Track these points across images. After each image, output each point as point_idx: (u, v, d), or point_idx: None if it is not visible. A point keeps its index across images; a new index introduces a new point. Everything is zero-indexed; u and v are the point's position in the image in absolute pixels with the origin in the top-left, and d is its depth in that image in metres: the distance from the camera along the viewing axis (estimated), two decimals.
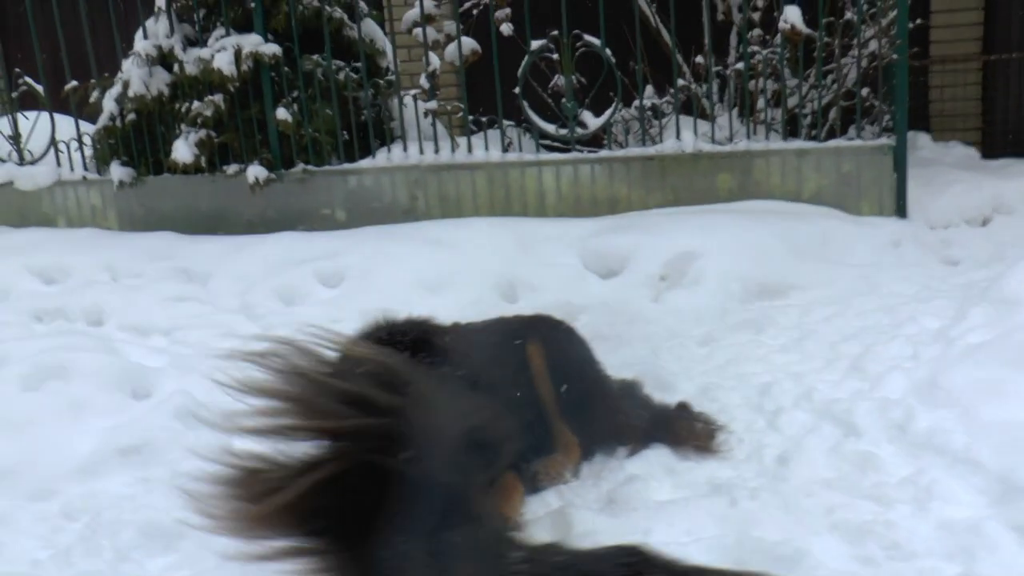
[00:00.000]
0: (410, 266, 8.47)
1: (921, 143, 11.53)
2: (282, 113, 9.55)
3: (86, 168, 10.60)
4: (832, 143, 9.44)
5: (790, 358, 6.71)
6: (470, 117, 9.83)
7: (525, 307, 7.45)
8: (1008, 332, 5.97)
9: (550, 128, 9.77)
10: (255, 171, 9.60)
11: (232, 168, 9.82)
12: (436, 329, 4.63)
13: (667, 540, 4.20)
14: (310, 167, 9.87)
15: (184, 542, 4.52)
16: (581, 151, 9.81)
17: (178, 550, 4.49)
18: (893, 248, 9.04)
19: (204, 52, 9.55)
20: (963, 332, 6.42)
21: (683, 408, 5.47)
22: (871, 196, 9.37)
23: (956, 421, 5.12)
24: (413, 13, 9.81)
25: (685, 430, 5.26)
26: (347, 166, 9.93)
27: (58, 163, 10.69)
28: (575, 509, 4.47)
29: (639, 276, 8.56)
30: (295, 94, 9.71)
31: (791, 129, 9.84)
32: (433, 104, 9.72)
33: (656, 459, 5.13)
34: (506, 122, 9.89)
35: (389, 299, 8.08)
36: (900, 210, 9.37)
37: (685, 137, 9.53)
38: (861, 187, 9.36)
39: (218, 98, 9.54)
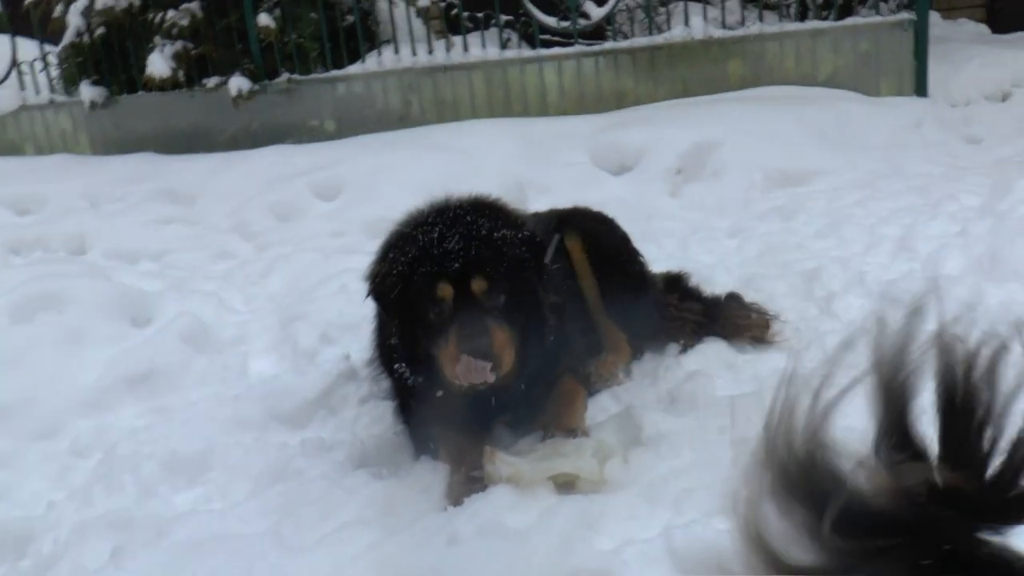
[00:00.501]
0: (412, 174, 8.00)
1: (932, 20, 11.04)
2: (264, 19, 8.98)
3: (53, 90, 10.05)
4: (849, 21, 8.98)
5: (828, 244, 6.38)
6: (465, 13, 9.25)
7: (538, 209, 7.04)
8: None
9: (550, 21, 9.24)
10: (237, 83, 9.06)
11: (212, 81, 9.28)
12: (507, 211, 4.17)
13: (746, 436, 3.86)
14: (295, 76, 9.36)
15: (211, 473, 4.17)
16: (584, 44, 9.27)
17: (206, 482, 4.12)
18: (915, 128, 8.75)
19: None
20: (1013, 205, 6.09)
21: (734, 299, 5.09)
22: (890, 75, 8.95)
23: None
24: None
25: (740, 321, 4.89)
26: (335, 73, 9.42)
27: (21, 86, 10.07)
28: (638, 411, 4.10)
29: (654, 171, 8.16)
30: None
31: (802, 11, 9.33)
32: (426, 1, 9.12)
33: (713, 353, 4.76)
34: (504, 17, 9.32)
35: (393, 209, 7.46)
36: (920, 89, 8.98)
37: (694, 23, 9.03)
38: (880, 66, 8.94)
39: (194, 6, 8.97)
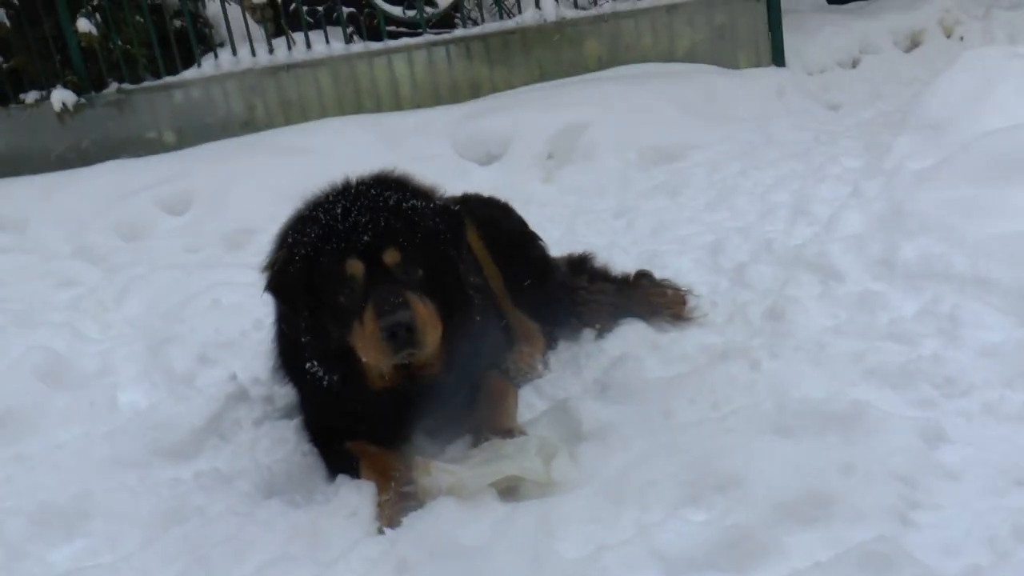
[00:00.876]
0: (265, 180, 7.49)
1: None
2: (84, 24, 8.25)
3: None
4: None
5: (720, 215, 6.26)
6: (304, 8, 8.75)
7: None
8: (954, 153, 5.59)
9: (396, 11, 8.85)
10: (60, 96, 8.31)
11: (31, 96, 8.49)
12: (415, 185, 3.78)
13: (696, 419, 3.59)
14: (125, 85, 8.66)
15: (92, 523, 3.61)
16: (433, 33, 8.90)
17: (87, 533, 3.57)
18: (778, 98, 8.83)
19: None
20: (899, 162, 6.05)
21: (645, 277, 4.84)
22: (747, 47, 8.97)
23: (946, 244, 4.67)
24: None
25: (657, 299, 4.64)
26: (169, 80, 8.77)
27: None
28: (572, 403, 3.76)
29: (524, 158, 7.88)
30: (96, 1, 8.38)
31: None
32: None
33: (633, 335, 4.49)
34: (346, 10, 8.86)
35: (250, 217, 7.18)
36: (778, 58, 9.05)
37: (545, 6, 8.82)
38: (736, 39, 8.94)
39: (0, 13, 8.12)
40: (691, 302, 4.69)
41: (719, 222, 6.07)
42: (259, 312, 5.06)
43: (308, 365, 3.53)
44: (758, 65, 8.95)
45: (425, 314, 3.32)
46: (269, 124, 8.72)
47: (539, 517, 3.06)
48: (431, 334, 3.33)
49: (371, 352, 3.30)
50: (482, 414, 3.69)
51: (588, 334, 4.59)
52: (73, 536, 3.55)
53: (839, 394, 3.55)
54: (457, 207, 3.71)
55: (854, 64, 9.72)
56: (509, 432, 3.51)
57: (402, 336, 3.23)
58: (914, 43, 9.99)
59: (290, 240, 3.51)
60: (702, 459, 3.25)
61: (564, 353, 4.55)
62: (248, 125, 8.72)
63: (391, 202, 3.47)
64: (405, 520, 3.13)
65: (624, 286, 4.70)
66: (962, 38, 10.11)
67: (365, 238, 3.36)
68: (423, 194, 3.64)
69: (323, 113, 8.72)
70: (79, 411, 4.37)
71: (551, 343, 4.54)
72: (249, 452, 3.99)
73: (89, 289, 6.36)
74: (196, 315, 5.15)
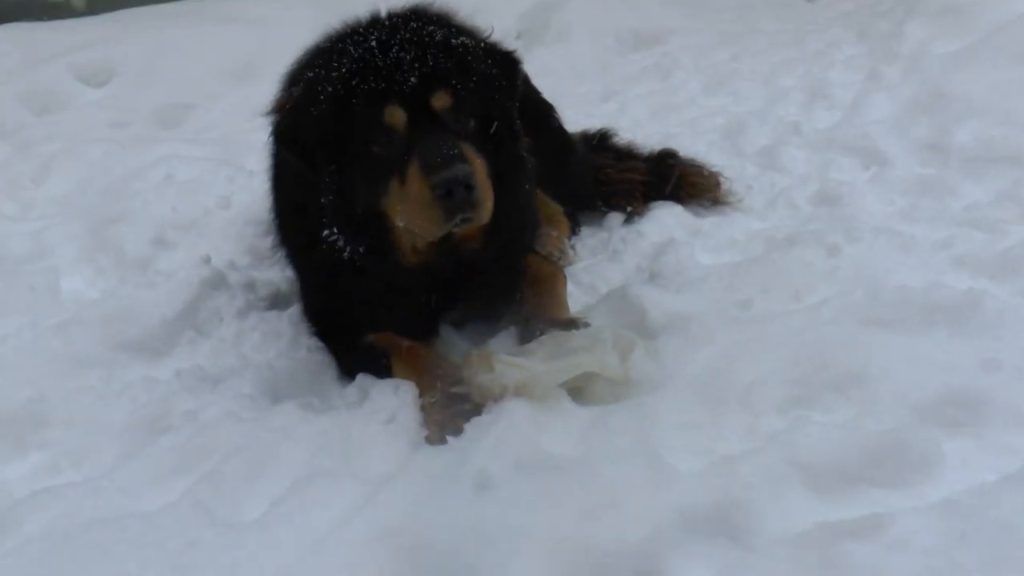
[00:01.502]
0: (207, 51, 6.70)
1: None
2: None
3: None
4: None
5: (723, 100, 5.79)
6: None
7: None
8: (990, 35, 5.20)
9: None
10: None
11: None
12: None
13: (779, 310, 3.09)
14: None
15: (49, 431, 2.99)
16: None
17: (44, 444, 2.97)
18: None
19: None
20: (918, 46, 5.60)
21: (671, 156, 4.28)
22: None
23: (1006, 127, 4.28)
24: None
25: (695, 179, 4.13)
26: None
27: None
28: (632, 291, 3.20)
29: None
30: None
31: None
32: None
33: (669, 219, 4.02)
34: None
35: (189, 91, 6.43)
36: None
37: None
38: None
39: None
40: (725, 184, 4.19)
41: (723, 106, 5.63)
42: (224, 189, 4.41)
43: (327, 233, 2.90)
44: None
45: (481, 170, 2.73)
46: None
47: (635, 422, 2.54)
48: (488, 196, 2.73)
49: (416, 216, 2.70)
50: (531, 302, 3.12)
51: (615, 218, 4.08)
52: (27, 449, 2.91)
53: (938, 284, 3.09)
54: (514, 49, 3.07)
55: None
56: (571, 323, 2.95)
57: (460, 196, 2.62)
58: None
59: (311, 76, 2.85)
60: (808, 355, 2.79)
61: (590, 239, 4.01)
62: None
63: (437, 38, 2.82)
64: (468, 427, 2.56)
65: (659, 164, 4.15)
66: None
67: (412, 79, 2.73)
68: (471, 32, 3.00)
69: None
70: (17, 300, 3.64)
71: (575, 227, 3.98)
72: (234, 348, 3.39)
73: None
74: (146, 191, 4.43)
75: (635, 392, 2.75)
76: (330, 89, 2.77)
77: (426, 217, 2.68)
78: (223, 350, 3.36)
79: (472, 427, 2.55)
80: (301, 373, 3.15)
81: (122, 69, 6.67)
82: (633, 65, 6.74)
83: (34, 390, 3.04)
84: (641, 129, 5.26)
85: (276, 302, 3.63)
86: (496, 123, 2.89)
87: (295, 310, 3.44)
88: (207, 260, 3.75)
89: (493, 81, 2.89)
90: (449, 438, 2.56)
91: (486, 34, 3.06)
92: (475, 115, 2.82)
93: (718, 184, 4.16)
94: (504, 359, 2.69)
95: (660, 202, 4.10)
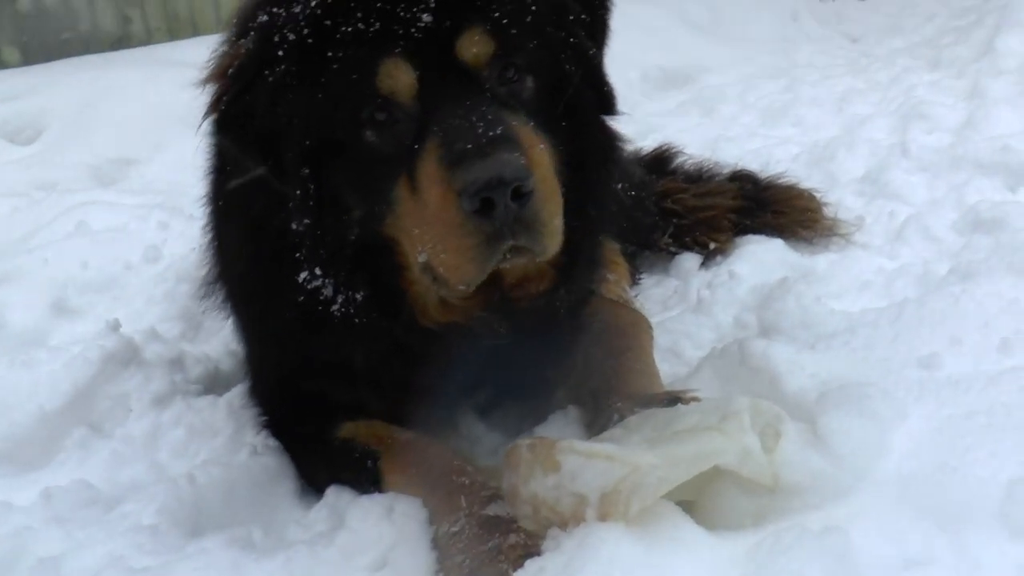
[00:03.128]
0: (149, 97, 5.70)
1: None
2: None
3: None
4: None
5: (787, 131, 4.94)
6: None
7: None
8: None
9: None
10: None
11: None
12: None
13: (988, 368, 2.04)
14: None
15: None
16: None
17: None
18: (793, 23, 7.69)
19: None
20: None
21: (750, 177, 3.30)
22: None
23: None
24: None
25: (802, 203, 3.09)
26: None
27: None
28: (753, 347, 2.17)
29: None
30: None
31: None
32: None
33: (769, 257, 3.08)
34: None
35: (128, 144, 5.41)
36: None
37: None
38: None
39: None
40: (832, 212, 3.20)
41: (790, 136, 4.80)
42: (153, 237, 3.38)
43: (305, 277, 1.86)
44: None
45: (547, 163, 1.74)
46: (149, 42, 6.95)
47: (818, 561, 1.46)
48: (556, 210, 1.73)
49: (438, 246, 1.71)
50: (603, 368, 2.05)
51: (687, 260, 3.10)
52: None
53: None
54: None
55: None
56: (672, 399, 1.88)
57: (506, 209, 1.63)
58: None
59: (263, 20, 1.84)
60: None
61: (654, 289, 3.01)
62: (122, 42, 6.94)
63: None
64: None
65: (753, 188, 3.15)
66: None
67: (423, 11, 1.75)
68: None
69: (221, 31, 6.88)
70: None
71: (635, 274, 2.94)
72: (144, 452, 2.38)
73: None
74: (50, 244, 3.37)
75: (795, 504, 1.67)
76: (292, 37, 1.76)
77: (453, 249, 1.68)
78: (127, 456, 2.32)
79: None
80: (241, 488, 2.09)
81: (53, 122, 5.68)
82: (668, 101, 5.92)
83: None
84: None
85: (213, 384, 2.59)
86: (572, 83, 1.89)
87: (239, 393, 2.35)
88: (115, 327, 2.67)
89: (566, 12, 1.87)
90: None
91: None
92: (535, 70, 1.84)
93: (827, 212, 3.16)
94: (580, 448, 1.61)
95: (748, 235, 3.09)
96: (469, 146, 1.61)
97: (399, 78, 1.71)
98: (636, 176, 3.18)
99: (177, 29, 7.04)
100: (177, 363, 2.64)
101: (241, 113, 1.83)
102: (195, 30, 7.00)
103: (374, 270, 1.83)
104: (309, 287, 1.85)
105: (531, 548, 1.57)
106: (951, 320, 2.28)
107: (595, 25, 1.96)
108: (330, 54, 1.75)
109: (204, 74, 1.95)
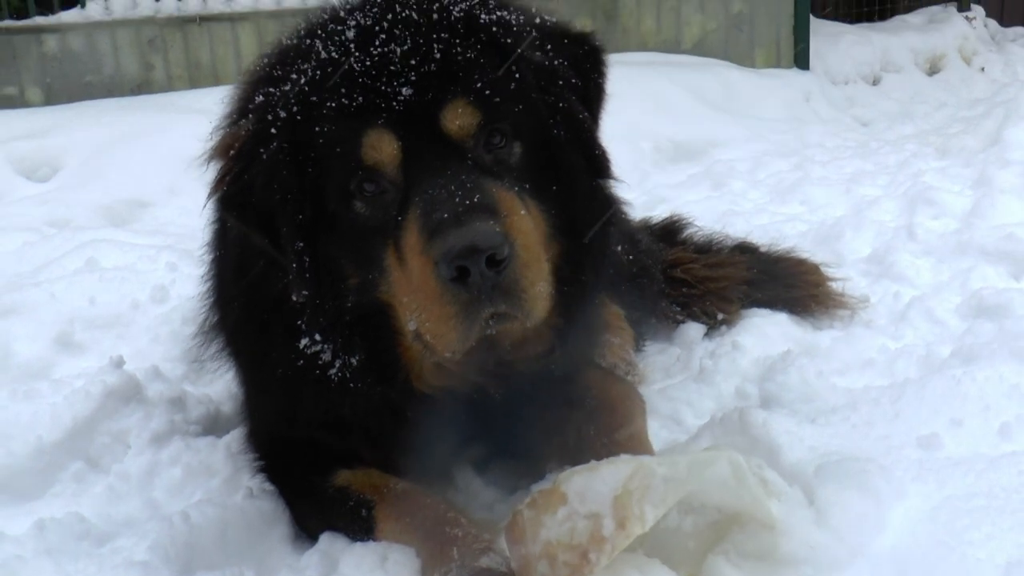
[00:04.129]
0: (161, 141, 5.77)
1: None
2: None
3: None
4: None
5: (795, 208, 4.92)
6: None
7: None
8: None
9: None
10: None
11: None
12: None
13: (986, 452, 2.05)
14: None
15: None
16: None
17: None
18: (805, 103, 7.67)
19: None
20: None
21: (752, 250, 3.33)
22: (767, 43, 7.73)
23: None
24: None
25: (810, 277, 3.14)
26: (40, 20, 7.01)
27: None
28: (752, 417, 2.18)
29: None
30: None
31: None
32: None
33: (772, 330, 3.11)
34: None
35: (144, 186, 5.47)
36: (802, 61, 7.88)
37: None
38: (755, 32, 7.67)
39: None
40: (840, 288, 3.26)
41: (798, 214, 4.80)
42: (162, 277, 3.40)
43: (306, 343, 1.91)
44: (777, 65, 7.78)
45: (528, 229, 1.76)
46: (170, 88, 7.06)
47: None
48: (539, 274, 1.76)
49: (424, 314, 1.74)
50: (596, 439, 2.07)
51: (691, 330, 3.10)
52: None
53: None
54: (589, 31, 2.10)
55: (875, 81, 8.79)
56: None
57: (482, 276, 1.67)
58: (934, 67, 9.43)
59: (261, 97, 1.90)
60: None
61: (658, 356, 3.02)
62: (143, 87, 7.04)
63: (455, 13, 1.90)
64: None
65: (764, 260, 3.18)
66: (983, 69, 9.53)
67: (405, 84, 1.81)
68: (519, 8, 2.01)
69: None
70: None
71: (639, 340, 2.94)
72: (140, 489, 2.38)
73: None
74: (59, 279, 3.38)
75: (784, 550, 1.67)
76: (284, 115, 1.81)
77: (435, 317, 1.72)
78: (123, 492, 2.33)
79: None
80: (234, 529, 2.09)
81: (70, 161, 5.75)
82: (679, 173, 5.93)
83: None
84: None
85: (213, 426, 2.59)
86: (561, 148, 1.92)
87: (238, 436, 2.35)
88: (118, 364, 2.68)
89: (554, 77, 1.90)
90: None
91: (542, 14, 2.06)
92: (522, 135, 1.87)
93: (836, 288, 3.19)
94: (581, 469, 1.67)
95: (753, 308, 3.10)
96: (446, 215, 1.66)
97: (382, 149, 1.77)
98: (643, 243, 3.22)
99: (198, 78, 7.13)
100: (178, 403, 2.65)
101: (241, 191, 1.89)
102: (216, 79, 7.07)
103: (371, 336, 1.87)
104: (310, 352, 1.89)
105: None
106: (952, 402, 2.30)
107: (587, 90, 1.99)
108: (317, 129, 1.81)
109: (208, 150, 2.01)
